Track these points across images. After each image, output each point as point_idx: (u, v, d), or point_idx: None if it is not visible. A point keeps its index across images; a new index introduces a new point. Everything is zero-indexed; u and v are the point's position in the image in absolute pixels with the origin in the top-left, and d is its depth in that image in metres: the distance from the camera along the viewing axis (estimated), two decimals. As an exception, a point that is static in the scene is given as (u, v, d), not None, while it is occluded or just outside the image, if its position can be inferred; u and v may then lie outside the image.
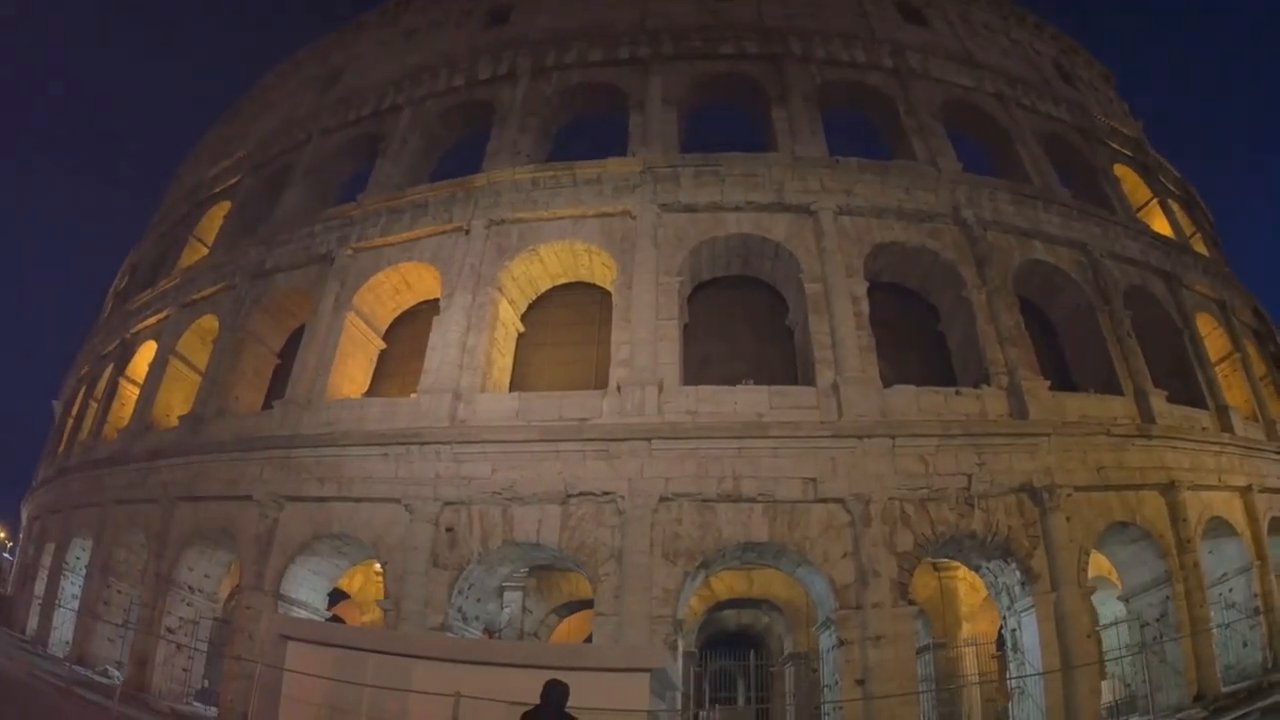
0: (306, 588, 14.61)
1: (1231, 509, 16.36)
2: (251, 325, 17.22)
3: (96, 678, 15.41)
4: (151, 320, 19.19)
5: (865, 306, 14.54)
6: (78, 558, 17.94)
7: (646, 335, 13.67)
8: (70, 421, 20.62)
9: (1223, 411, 17.60)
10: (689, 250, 14.86)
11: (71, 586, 17.70)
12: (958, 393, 14.20)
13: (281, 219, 18.32)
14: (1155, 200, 21.86)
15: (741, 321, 16.00)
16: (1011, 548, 13.29)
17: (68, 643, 16.76)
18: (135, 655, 15.19)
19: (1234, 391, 20.28)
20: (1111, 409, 15.75)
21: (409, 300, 16.79)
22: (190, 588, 15.85)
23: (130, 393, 18.88)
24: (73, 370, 21.64)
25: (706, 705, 15.67)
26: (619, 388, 13.17)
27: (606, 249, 15.01)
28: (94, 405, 19.62)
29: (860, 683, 11.61)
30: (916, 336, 16.84)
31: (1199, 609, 14.35)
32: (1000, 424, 13.96)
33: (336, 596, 18.62)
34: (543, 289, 16.26)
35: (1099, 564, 17.65)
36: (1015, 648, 13.89)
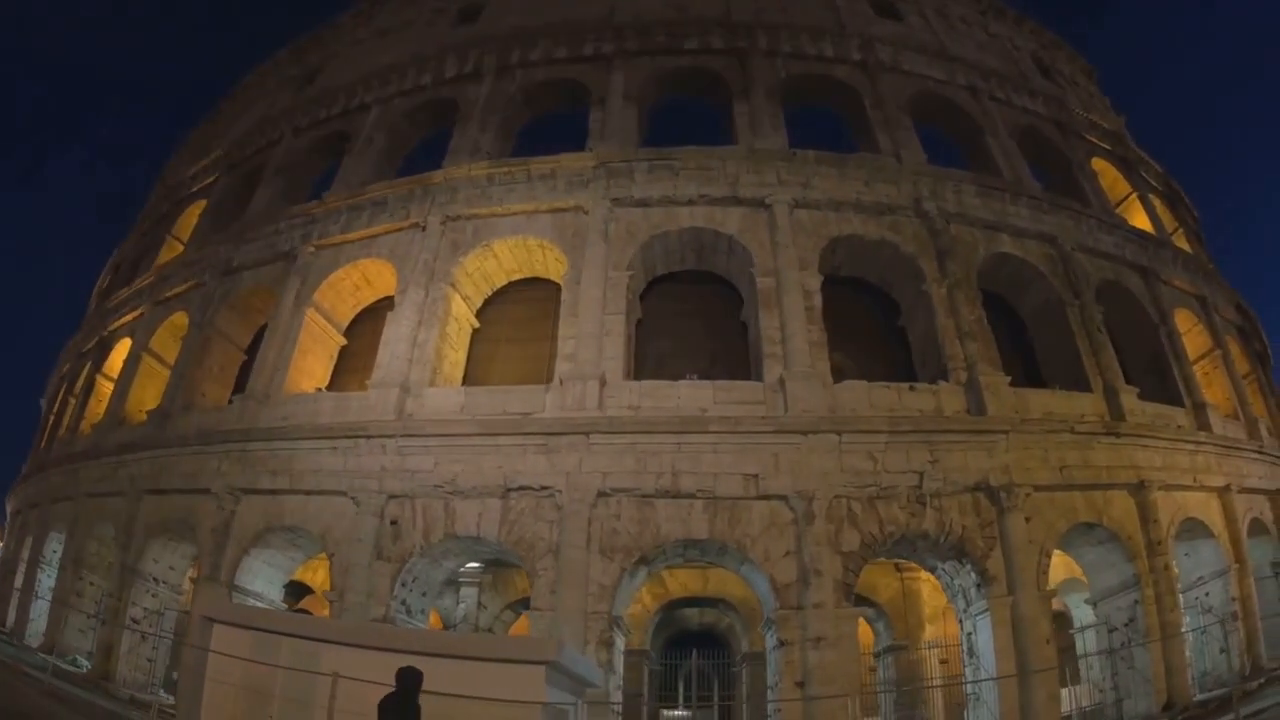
0: (262, 579, 14.88)
1: (1208, 510, 16.01)
2: (219, 322, 17.57)
3: (65, 666, 15.81)
4: (128, 318, 19.67)
5: (818, 301, 14.43)
6: (54, 551, 18.41)
7: (591, 330, 13.72)
8: (51, 418, 21.22)
9: (1200, 409, 17.24)
10: (640, 245, 14.87)
11: (48, 579, 18.19)
12: (912, 388, 14.02)
13: (251, 217, 18.69)
14: (1135, 195, 21.46)
15: (697, 317, 15.97)
16: (966, 549, 13.04)
17: (43, 634, 17.23)
18: (101, 645, 15.57)
19: (1214, 389, 19.85)
20: (1079, 406, 15.46)
21: (369, 297, 17.02)
22: (155, 579, 16.20)
23: (107, 389, 19.36)
24: (56, 368, 22.27)
25: (649, 703, 15.56)
26: (561, 382, 13.23)
27: (558, 244, 15.09)
28: (73, 402, 20.16)
29: (800, 685, 11.46)
30: (878, 331, 16.71)
31: (1170, 614, 13.98)
32: (956, 420, 13.77)
33: (303, 591, 18.94)
34: (499, 284, 16.38)
35: (1073, 566, 17.35)
36: (971, 652, 13.64)
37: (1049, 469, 14.05)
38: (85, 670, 15.74)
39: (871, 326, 16.91)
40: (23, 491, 19.98)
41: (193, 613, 10.47)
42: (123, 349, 19.41)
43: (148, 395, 18.22)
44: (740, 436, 12.47)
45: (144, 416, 17.28)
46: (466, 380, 15.49)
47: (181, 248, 20.82)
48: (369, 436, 13.58)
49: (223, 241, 18.43)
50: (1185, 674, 13.78)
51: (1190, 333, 20.16)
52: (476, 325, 16.11)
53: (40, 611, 17.86)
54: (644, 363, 15.37)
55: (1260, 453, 18.21)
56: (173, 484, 15.45)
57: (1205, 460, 16.34)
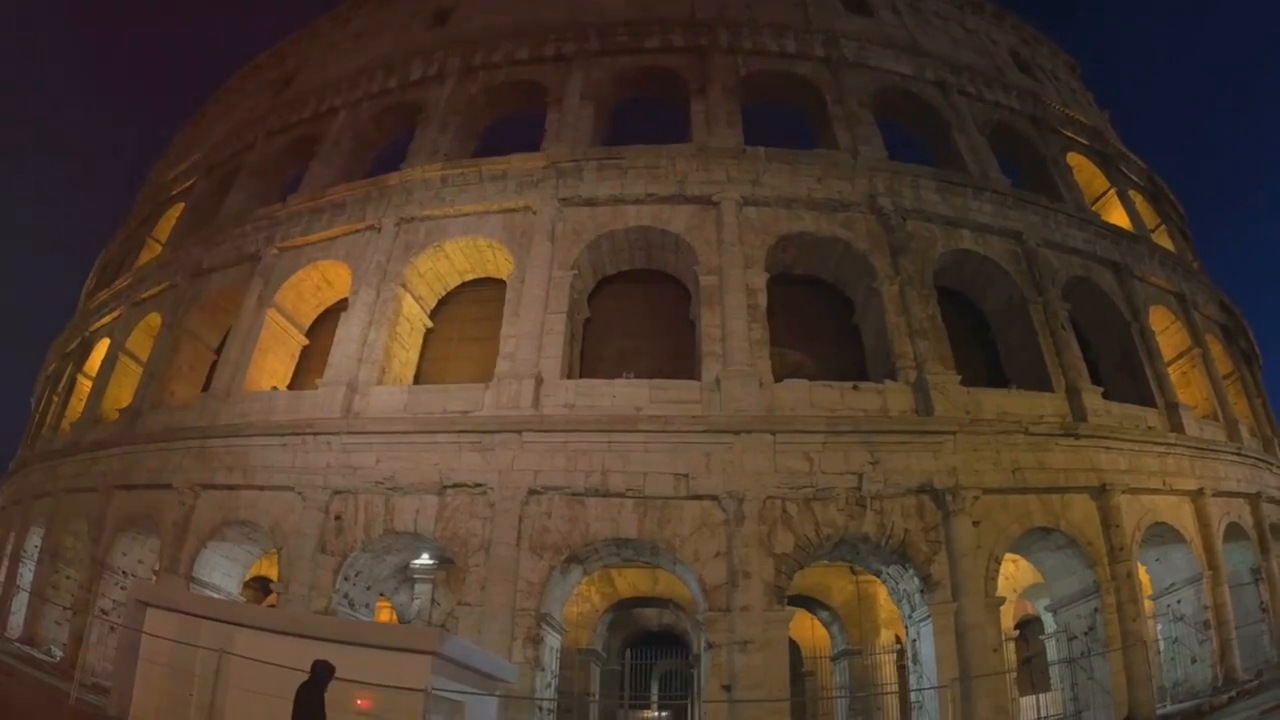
0: (219, 572, 15.39)
1: (1179, 514, 15.69)
2: (189, 323, 18.19)
3: (40, 656, 16.57)
4: (107, 318, 20.44)
5: (762, 299, 14.49)
6: (36, 545, 19.24)
7: (531, 329, 13.97)
8: (36, 417, 22.13)
9: (1173, 410, 16.90)
10: (586, 244, 15.09)
11: (29, 573, 19.00)
12: (855, 387, 13.98)
13: (222, 220, 19.30)
14: (1113, 190, 21.10)
15: (650, 316, 16.12)
16: (909, 553, 12.90)
17: (23, 625, 18.02)
18: (73, 635, 16.23)
19: (1193, 389, 19.49)
20: (1038, 406, 15.26)
21: (330, 297, 17.48)
22: (124, 572, 16.84)
23: (87, 388, 20.15)
24: (43, 367, 23.21)
25: (600, 701, 15.73)
26: (498, 381, 13.50)
27: (506, 244, 15.37)
28: (56, 400, 21.01)
29: (727, 688, 11.44)
30: (837, 330, 16.68)
31: (1132, 623, 13.68)
32: (900, 421, 13.67)
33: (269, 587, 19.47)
34: (452, 285, 16.72)
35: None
36: (915, 659, 13.50)
37: (1000, 471, 13.85)
38: (58, 659, 16.45)
39: (830, 325, 16.91)
40: (8, 488, 20.87)
41: (128, 597, 11.02)
42: (102, 349, 20.18)
43: (123, 394, 18.92)
44: (671, 436, 12.59)
45: (117, 415, 17.96)
46: (420, 379, 15.88)
47: (160, 249, 21.56)
48: (316, 433, 14.00)
49: (195, 244, 19.08)
50: (1148, 685, 13.43)
51: (1167, 331, 19.80)
52: (430, 325, 16.47)
53: (22, 604, 18.67)
54: (597, 362, 15.59)
55: (1239, 455, 17.80)
56: (140, 479, 16.05)
57: (1177, 463, 16.02)
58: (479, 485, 12.73)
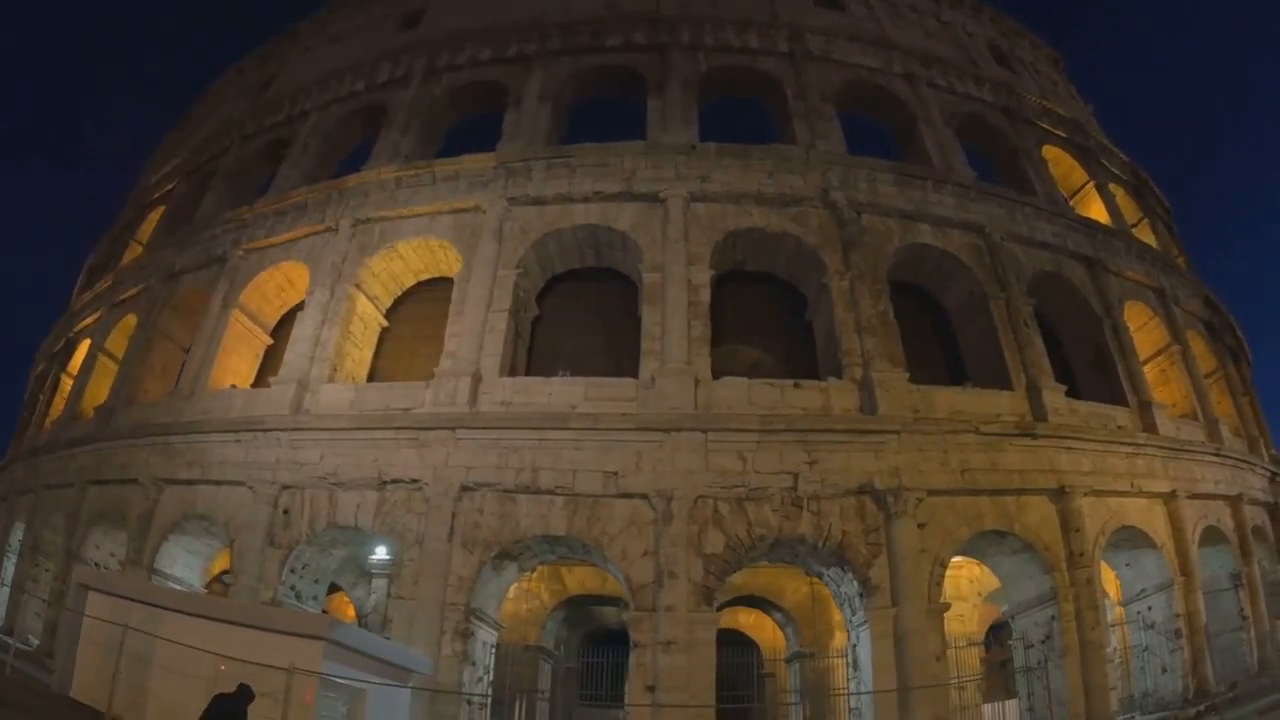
0: (181, 564, 16.11)
1: (1150, 518, 15.40)
2: (162, 323, 19.01)
3: (19, 645, 17.50)
4: (90, 320, 21.43)
5: (705, 296, 14.70)
6: (19, 540, 20.27)
7: (473, 327, 14.40)
8: (24, 416, 23.26)
9: (1146, 408, 16.65)
10: (532, 243, 15.47)
11: (12, 566, 20.03)
12: (796, 385, 14.08)
13: (195, 223, 20.13)
14: (1092, 184, 20.84)
15: (599, 314, 16.44)
16: (847, 555, 12.83)
17: (4, 617, 19.01)
18: (47, 625, 17.08)
19: (1171, 387, 19.18)
20: (996, 405, 15.13)
21: (293, 298, 18.11)
22: (96, 564, 17.66)
23: (69, 387, 21.15)
24: (32, 367, 24.38)
25: (551, 697, 16.08)
26: (439, 378, 13.96)
27: (456, 244, 15.84)
28: (42, 400, 22.08)
29: (650, 689, 11.54)
30: (791, 328, 16.81)
31: (1090, 631, 13.41)
32: (839, 420, 13.66)
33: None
34: (408, 285, 17.25)
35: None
36: (855, 664, 13.41)
37: (948, 472, 13.70)
38: (33, 648, 17.35)
39: (788, 323, 17.04)
40: (-3, 485, 21.97)
41: (73, 581, 11.75)
42: (84, 349, 21.17)
43: (101, 393, 19.82)
44: (601, 433, 12.87)
45: (93, 413, 18.86)
46: (375, 377, 16.42)
47: (141, 252, 22.51)
48: (267, 430, 14.61)
49: (169, 246, 19.93)
50: (1106, 697, 13.25)
51: (1145, 327, 19.52)
52: (385, 324, 17.02)
53: (3, 597, 19.71)
54: (552, 360, 15.91)
55: (1218, 455, 17.46)
56: (110, 475, 16.85)
57: (1148, 464, 15.72)
58: (415, 481, 13.18)
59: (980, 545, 14.58)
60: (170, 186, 23.09)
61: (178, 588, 15.89)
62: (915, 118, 18.98)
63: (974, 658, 17.34)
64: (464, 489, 12.91)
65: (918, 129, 18.82)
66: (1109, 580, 16.61)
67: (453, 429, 13.17)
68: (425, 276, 17.06)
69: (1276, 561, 19.87)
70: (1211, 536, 16.82)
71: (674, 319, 14.15)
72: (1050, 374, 15.98)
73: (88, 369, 20.09)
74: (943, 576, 13.33)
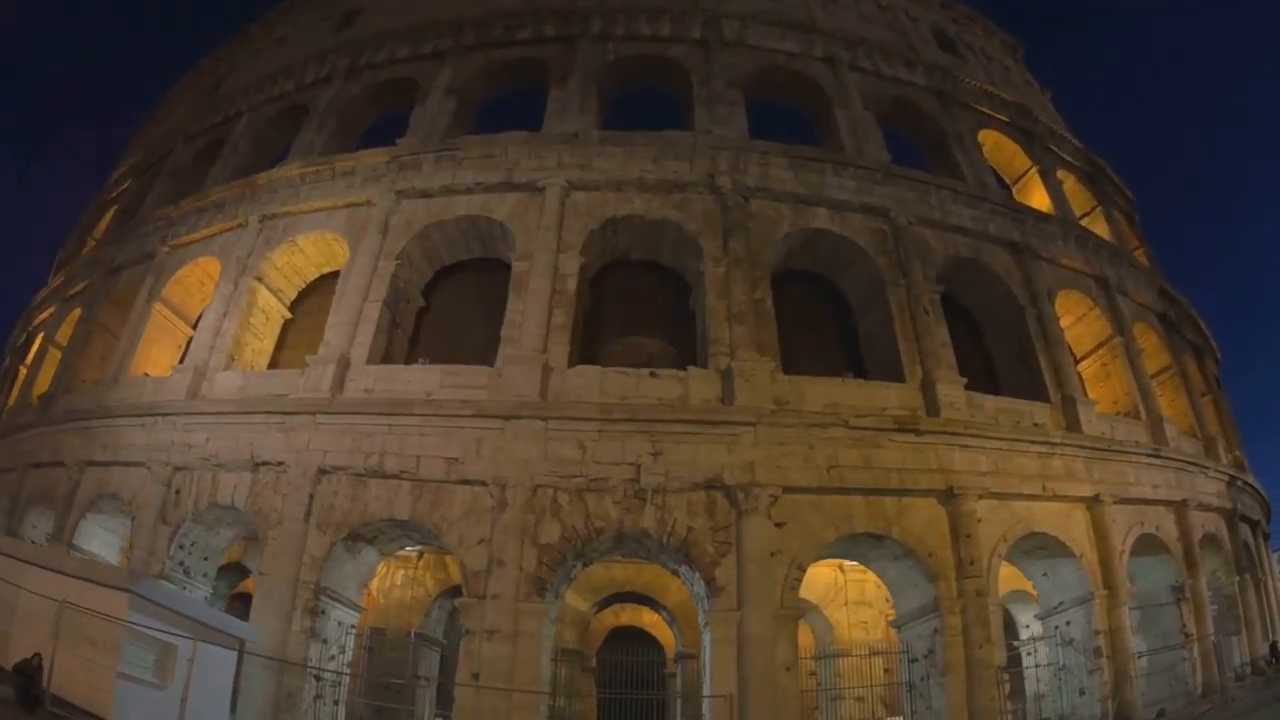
0: (99, 542, 17.86)
1: (1067, 524, 14.99)
2: (100, 316, 20.98)
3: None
4: (45, 314, 23.74)
5: (572, 284, 15.53)
6: (-21, 521, 22.64)
7: (348, 317, 15.64)
8: (-9, 406, 25.82)
9: (1070, 405, 16.31)
10: (415, 234, 16.63)
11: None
12: (653, 374, 14.64)
13: (135, 221, 22.13)
14: (1035, 169, 20.69)
15: (488, 305, 17.34)
16: (691, 553, 12.87)
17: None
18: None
19: (1113, 382, 18.96)
20: (882, 398, 15.09)
21: (212, 291, 19.78)
22: (32, 541, 19.75)
23: (23, 378, 23.49)
24: (1, 362, 27.02)
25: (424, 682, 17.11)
26: (310, 366, 15.26)
27: (346, 238, 17.14)
28: (3, 393, 24.54)
29: (475, 677, 12.01)
30: (687, 319, 17.41)
31: (980, 649, 13.00)
32: (695, 410, 13.92)
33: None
34: (311, 278, 18.66)
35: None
36: (705, 670, 13.14)
37: (812, 468, 13.62)
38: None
39: (685, 314, 17.67)
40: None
41: None
42: (39, 342, 23.48)
43: (48, 382, 22.05)
44: (444, 420, 13.79)
45: (37, 401, 21.01)
46: (277, 366, 17.89)
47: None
48: (164, 414, 16.18)
49: (112, 243, 21.97)
50: (993, 721, 12.55)
51: (1085, 318, 19.34)
52: (289, 316, 18.48)
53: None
54: (436, 350, 16.93)
55: (1159, 457, 16.96)
56: (45, 458, 18.75)
57: (1067, 465, 15.37)
58: (280, 464, 14.47)
59: (858, 549, 14.47)
60: (125, 186, 25.29)
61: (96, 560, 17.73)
62: (830, 101, 19.35)
63: (877, 668, 17.04)
64: (321, 472, 14.09)
65: (832, 112, 19.19)
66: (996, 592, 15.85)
67: (313, 414, 14.41)
68: (326, 270, 18.43)
69: (1233, 573, 19.16)
70: (1149, 545, 16.24)
71: (533, 306, 15.00)
72: (951, 366, 15.84)
73: (39, 360, 22.30)
74: (799, 580, 13.19)
